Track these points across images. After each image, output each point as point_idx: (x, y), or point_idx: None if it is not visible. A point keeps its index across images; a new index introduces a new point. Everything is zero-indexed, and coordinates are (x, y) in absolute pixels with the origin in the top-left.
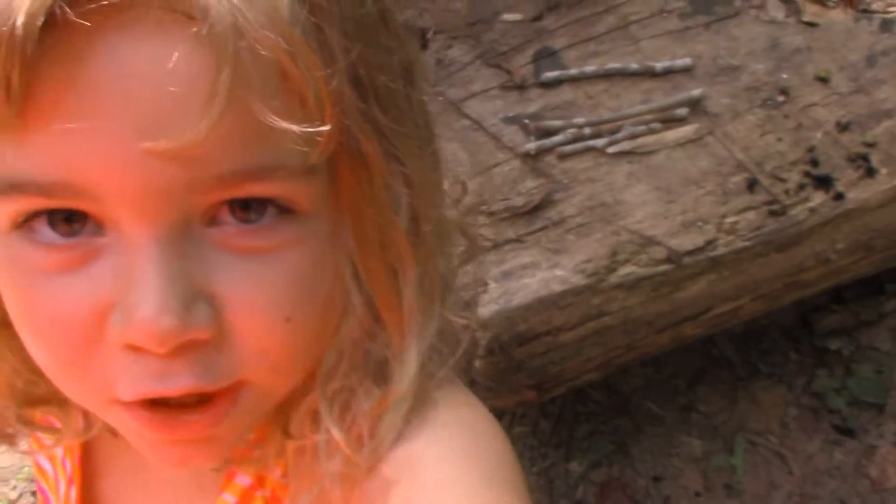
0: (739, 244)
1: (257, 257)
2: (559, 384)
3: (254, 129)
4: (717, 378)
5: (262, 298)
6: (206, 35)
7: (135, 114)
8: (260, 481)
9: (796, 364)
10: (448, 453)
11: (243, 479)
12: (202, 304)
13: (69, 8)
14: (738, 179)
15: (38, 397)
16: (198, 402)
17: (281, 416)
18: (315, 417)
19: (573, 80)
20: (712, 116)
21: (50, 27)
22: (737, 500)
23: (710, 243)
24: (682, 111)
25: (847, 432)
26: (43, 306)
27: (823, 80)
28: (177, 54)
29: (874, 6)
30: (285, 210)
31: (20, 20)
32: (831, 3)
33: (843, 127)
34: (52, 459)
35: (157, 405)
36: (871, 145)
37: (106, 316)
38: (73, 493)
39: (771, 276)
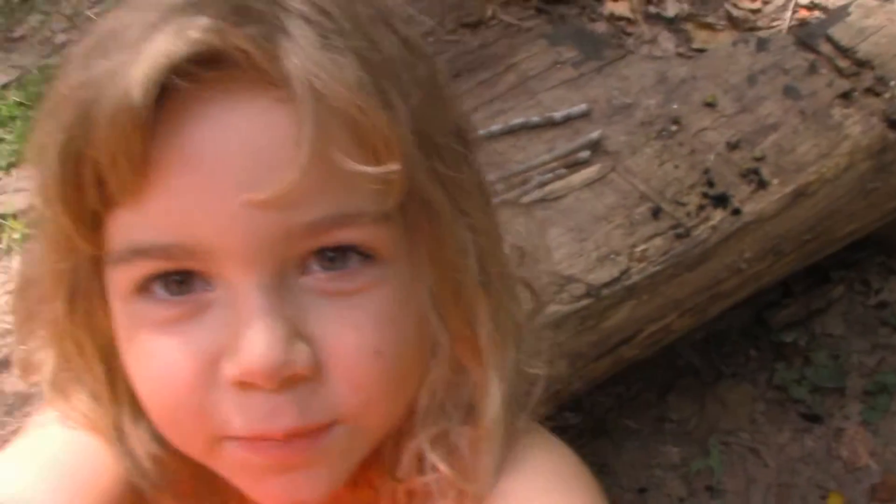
0: (651, 269)
1: (344, 299)
2: None
3: (335, 177)
4: (685, 386)
5: (351, 335)
6: (289, 98)
7: (234, 170)
8: None
9: (757, 361)
10: (543, 492)
11: None
12: (301, 344)
13: (178, 78)
14: (643, 209)
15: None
16: (301, 438)
17: (384, 462)
18: (419, 458)
19: (482, 140)
20: (613, 154)
21: (161, 96)
22: (720, 501)
23: (625, 273)
24: (585, 154)
25: (814, 419)
26: (161, 356)
27: (711, 105)
28: (266, 115)
29: (759, 23)
30: (366, 256)
31: (137, 91)
32: (719, 27)
33: (732, 146)
34: None
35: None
36: (759, 159)
37: (217, 360)
38: None
39: (690, 293)
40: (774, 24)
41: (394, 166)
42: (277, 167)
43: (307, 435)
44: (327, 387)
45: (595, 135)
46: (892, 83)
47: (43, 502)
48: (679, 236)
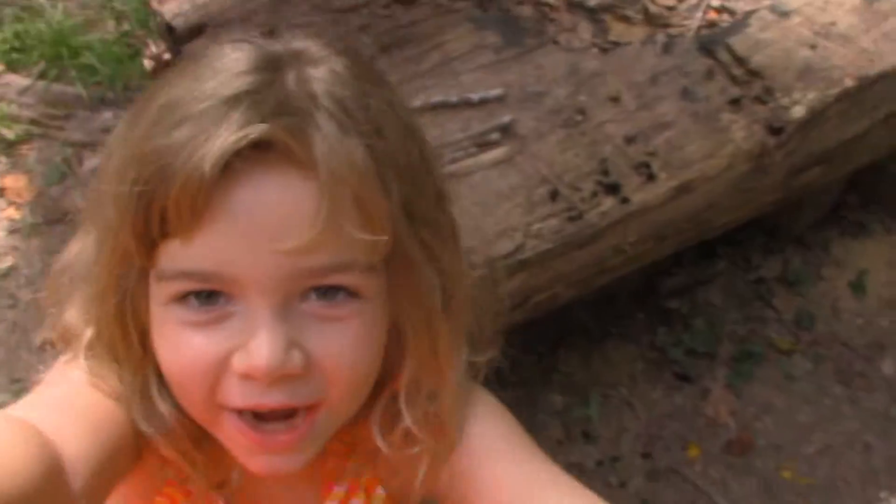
0: (544, 247)
1: (332, 324)
2: None
3: (339, 237)
4: (575, 342)
5: (334, 350)
6: (314, 177)
7: (267, 226)
8: (354, 486)
9: (642, 323)
10: (494, 430)
11: (341, 488)
12: (296, 352)
13: (235, 158)
14: (543, 191)
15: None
16: (285, 416)
17: (360, 432)
18: (406, 434)
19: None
20: (521, 138)
21: (221, 170)
22: (593, 446)
23: (520, 248)
24: (496, 135)
25: (685, 379)
26: (191, 349)
27: (615, 100)
28: (294, 187)
29: (672, 20)
30: (353, 294)
31: (209, 167)
32: (636, 20)
33: (629, 140)
34: None
35: (256, 418)
36: (652, 154)
37: (230, 355)
38: None
39: (577, 268)
40: (686, 22)
41: (384, 236)
42: (298, 227)
43: (293, 417)
44: (312, 381)
45: (507, 119)
46: (778, 94)
47: (76, 442)
48: (571, 219)
